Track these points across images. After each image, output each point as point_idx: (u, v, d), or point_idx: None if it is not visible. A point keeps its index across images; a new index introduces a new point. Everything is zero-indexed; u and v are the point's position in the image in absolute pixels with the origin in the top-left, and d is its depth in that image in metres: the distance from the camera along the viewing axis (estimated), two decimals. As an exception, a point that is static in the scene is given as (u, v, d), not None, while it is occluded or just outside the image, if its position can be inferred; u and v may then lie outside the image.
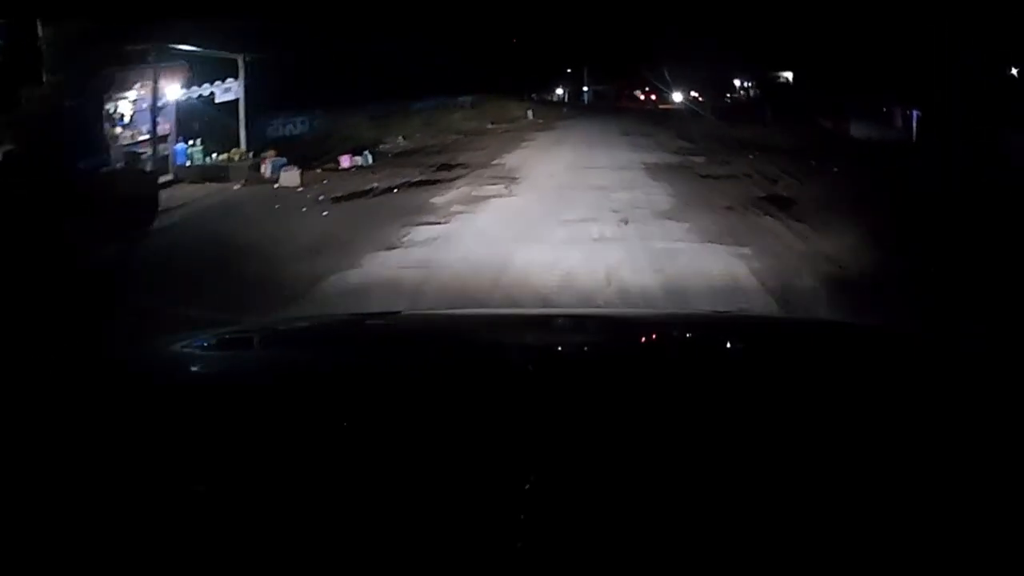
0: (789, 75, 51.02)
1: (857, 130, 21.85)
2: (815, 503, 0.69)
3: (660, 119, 32.06)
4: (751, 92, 56.06)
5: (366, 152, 15.47)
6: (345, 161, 14.86)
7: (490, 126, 26.73)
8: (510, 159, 15.39)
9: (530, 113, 31.76)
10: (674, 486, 0.72)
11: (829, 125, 24.09)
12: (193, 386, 1.15)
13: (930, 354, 1.34)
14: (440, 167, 14.24)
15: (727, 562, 0.60)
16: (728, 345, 1.52)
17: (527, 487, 0.70)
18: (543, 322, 1.78)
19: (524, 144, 18.81)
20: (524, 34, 54.65)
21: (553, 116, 34.60)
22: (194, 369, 1.33)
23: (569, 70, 64.90)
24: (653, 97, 61.36)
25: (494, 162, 14.83)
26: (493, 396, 1.00)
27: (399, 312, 2.48)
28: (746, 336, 1.53)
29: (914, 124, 19.20)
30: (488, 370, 1.20)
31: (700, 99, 75.19)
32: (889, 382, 1.11)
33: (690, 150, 16.84)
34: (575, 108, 46.04)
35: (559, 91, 64.71)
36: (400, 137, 20.63)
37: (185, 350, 1.39)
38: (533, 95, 57.04)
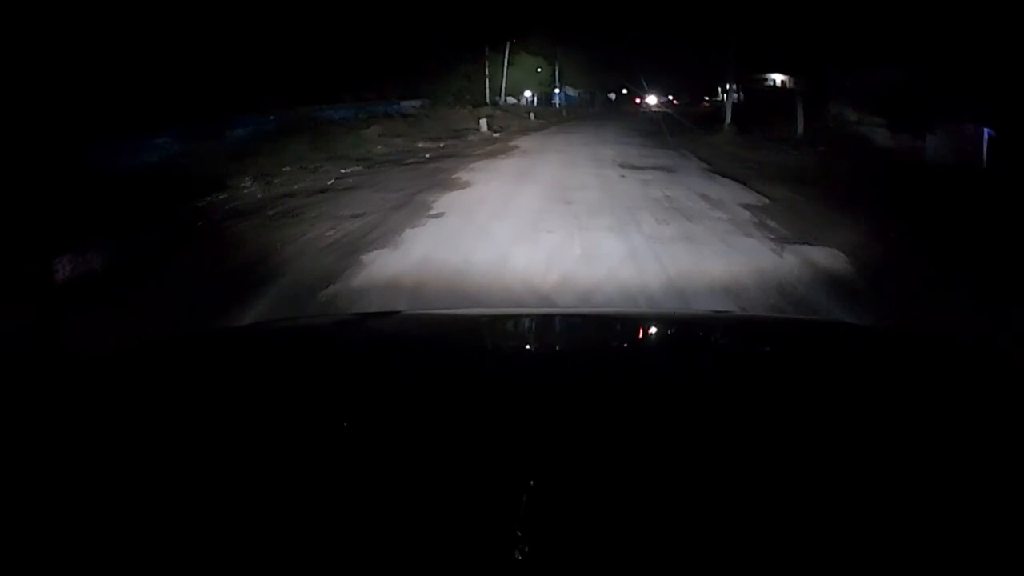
0: (778, 77, 45.75)
1: (935, 151, 14.32)
2: (815, 504, 0.68)
3: (658, 132, 23.44)
4: (736, 97, 51.37)
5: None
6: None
7: (420, 145, 17.86)
8: (370, 276, 5.52)
9: (484, 124, 22.88)
10: (674, 487, 0.71)
11: (889, 143, 16.41)
12: (192, 385, 1.09)
13: (931, 354, 1.31)
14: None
15: (727, 562, 0.60)
16: (728, 345, 1.45)
17: (527, 488, 0.69)
18: (543, 321, 1.74)
19: (440, 205, 8.53)
20: (489, 30, 47.56)
21: (515, 128, 25.68)
22: (193, 368, 1.22)
23: (539, 69, 57.10)
24: (650, 101, 62.31)
25: (327, 289, 5.24)
26: (493, 396, 0.98)
27: (399, 312, 2.09)
28: (746, 336, 1.50)
29: (984, 145, 13.31)
30: (488, 370, 1.17)
31: (676, 102, 71.46)
32: (889, 382, 1.08)
33: (784, 218, 7.87)
34: (545, 116, 37.26)
35: (527, 93, 56.33)
36: (248, 178, 11.80)
37: (184, 349, 1.37)
38: (497, 97, 49.57)
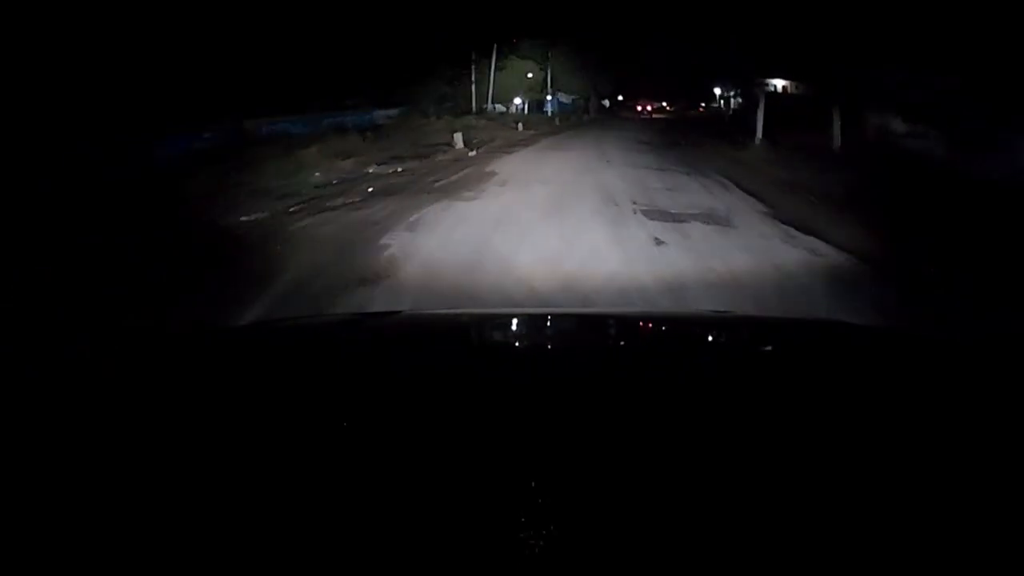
0: (778, 82, 43.32)
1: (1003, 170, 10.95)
2: (816, 504, 0.67)
3: (671, 144, 19.41)
4: (733, 102, 48.91)
5: None
6: None
7: (370, 171, 13.63)
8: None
9: (459, 139, 18.64)
10: (675, 487, 0.70)
11: (945, 159, 13.09)
12: (191, 385, 1.07)
13: (930, 355, 1.27)
14: None
15: (727, 561, 0.59)
16: (728, 345, 1.42)
17: (528, 488, 0.68)
18: (543, 321, 1.67)
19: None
20: (476, 32, 44.04)
21: (499, 142, 21.44)
22: (192, 368, 1.19)
23: (530, 75, 53.30)
24: (649, 107, 60.78)
25: None
26: (493, 396, 0.96)
27: (399, 312, 1.96)
28: (746, 336, 1.47)
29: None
30: (489, 370, 1.14)
31: (669, 108, 69.23)
32: (889, 382, 1.06)
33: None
34: (536, 125, 33.07)
35: (517, 100, 52.41)
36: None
37: (183, 349, 1.33)
38: (485, 105, 45.81)
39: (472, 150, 17.90)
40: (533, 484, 0.68)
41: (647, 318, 1.85)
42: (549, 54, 51.74)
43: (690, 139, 22.17)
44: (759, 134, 18.35)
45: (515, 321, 1.62)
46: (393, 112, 29.73)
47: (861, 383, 1.04)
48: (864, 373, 1.10)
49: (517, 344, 1.44)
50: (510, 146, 19.69)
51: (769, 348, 1.34)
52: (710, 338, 1.47)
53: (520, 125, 29.99)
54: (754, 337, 1.43)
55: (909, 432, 0.83)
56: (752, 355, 1.28)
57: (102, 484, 0.70)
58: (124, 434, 0.83)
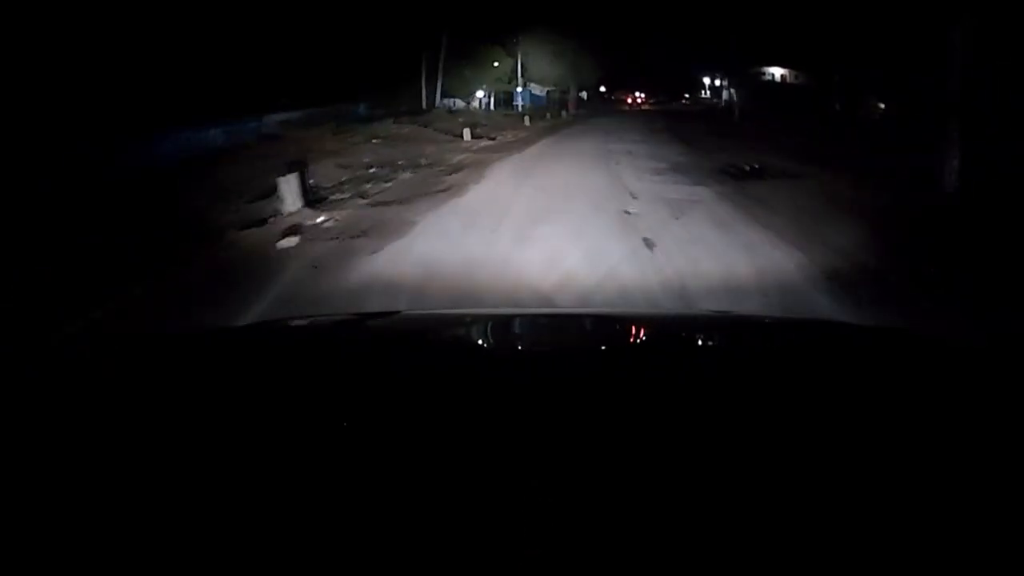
0: (777, 71, 36.13)
1: None
2: (814, 504, 0.66)
3: (756, 185, 9.15)
4: (725, 94, 41.03)
5: None
6: None
7: None
8: None
9: (291, 192, 8.00)
10: (673, 487, 0.69)
11: None
12: (191, 385, 1.04)
13: (929, 355, 1.24)
14: None
15: (725, 562, 0.58)
16: (728, 345, 1.38)
17: (528, 488, 0.68)
18: (543, 321, 1.66)
19: None
20: (425, 16, 34.11)
21: (405, 182, 10.67)
22: (193, 368, 1.16)
23: (496, 63, 42.87)
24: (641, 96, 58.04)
25: None
26: (493, 396, 0.95)
27: (399, 312, 1.93)
28: (747, 336, 1.44)
29: None
30: (488, 370, 1.13)
31: (651, 101, 60.04)
32: (888, 382, 1.04)
33: None
34: (495, 127, 22.31)
35: (479, 93, 41.75)
36: None
37: (184, 349, 1.30)
38: (438, 101, 35.38)
39: (315, 219, 7.36)
40: (533, 484, 0.68)
41: (647, 318, 1.80)
42: (519, 39, 41.50)
43: (737, 153, 12.18)
44: (954, 175, 7.99)
45: (515, 321, 1.58)
46: (297, 115, 21.54)
47: (861, 383, 1.01)
48: (864, 373, 1.08)
49: (517, 344, 1.41)
50: (416, 198, 9.07)
51: (769, 348, 1.28)
52: (710, 338, 1.43)
53: (468, 132, 19.24)
54: (754, 337, 1.39)
55: (909, 432, 0.82)
56: (752, 355, 1.23)
57: (102, 484, 0.69)
58: (124, 434, 0.82)
